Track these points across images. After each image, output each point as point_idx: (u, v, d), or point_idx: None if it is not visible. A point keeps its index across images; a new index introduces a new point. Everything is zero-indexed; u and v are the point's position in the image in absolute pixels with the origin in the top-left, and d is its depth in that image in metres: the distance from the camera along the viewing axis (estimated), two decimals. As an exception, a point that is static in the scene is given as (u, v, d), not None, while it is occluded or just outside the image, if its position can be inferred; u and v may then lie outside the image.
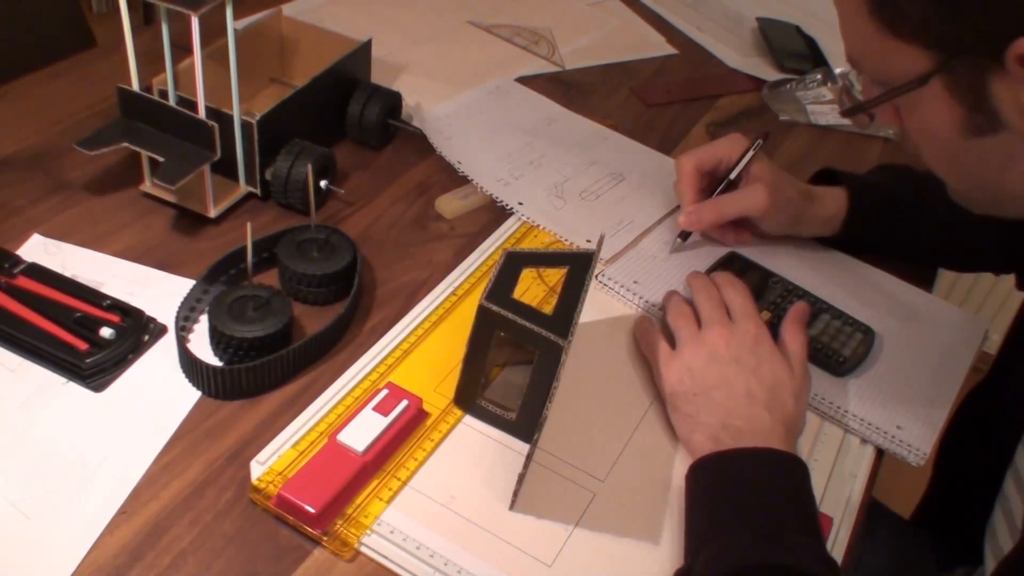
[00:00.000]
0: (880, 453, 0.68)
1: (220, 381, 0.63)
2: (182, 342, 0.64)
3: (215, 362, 0.65)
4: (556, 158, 0.91)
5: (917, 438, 0.68)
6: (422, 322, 0.71)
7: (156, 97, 0.75)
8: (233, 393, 0.63)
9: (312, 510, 0.55)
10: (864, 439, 0.68)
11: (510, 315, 0.58)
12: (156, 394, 0.63)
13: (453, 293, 0.74)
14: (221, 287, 0.71)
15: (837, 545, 0.61)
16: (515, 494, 0.58)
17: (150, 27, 1.09)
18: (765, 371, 0.64)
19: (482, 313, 0.59)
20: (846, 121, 1.07)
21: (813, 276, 0.81)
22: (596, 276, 0.77)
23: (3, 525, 0.54)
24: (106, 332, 0.64)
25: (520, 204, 0.84)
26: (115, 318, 0.66)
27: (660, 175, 0.91)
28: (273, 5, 0.95)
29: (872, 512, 0.67)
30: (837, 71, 1.14)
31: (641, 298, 0.75)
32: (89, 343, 0.64)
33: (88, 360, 0.63)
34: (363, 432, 0.59)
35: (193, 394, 0.64)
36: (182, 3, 0.68)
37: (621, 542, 0.58)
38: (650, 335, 0.69)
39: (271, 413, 0.63)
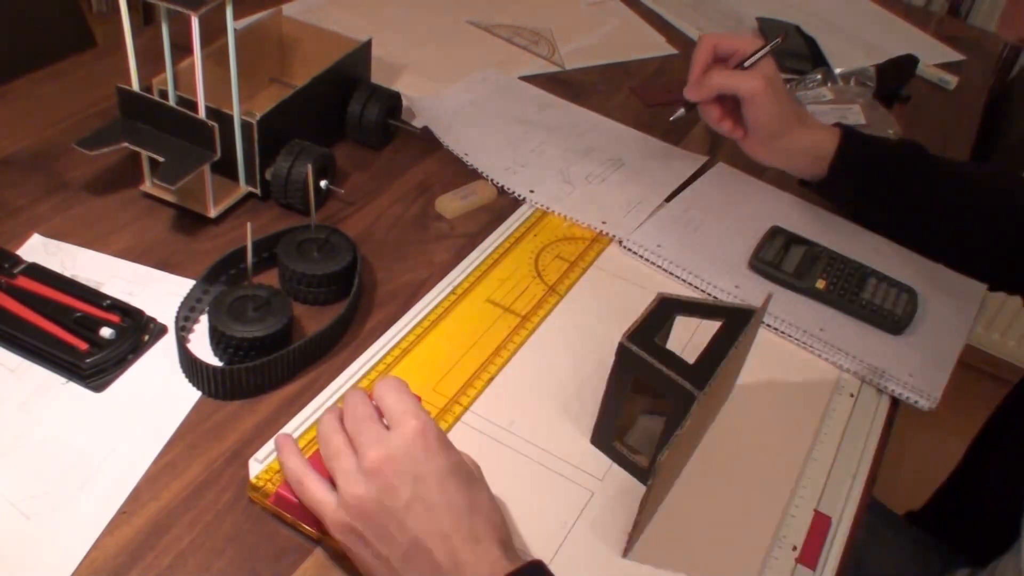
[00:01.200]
0: (881, 453, 0.68)
1: (220, 381, 0.63)
2: (182, 342, 0.64)
3: (215, 362, 0.65)
4: (555, 145, 0.94)
5: (928, 383, 0.72)
6: (421, 321, 0.71)
7: (156, 97, 0.75)
8: (233, 393, 0.63)
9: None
10: (880, 388, 0.72)
11: (648, 357, 0.57)
12: (156, 394, 0.63)
13: (452, 292, 0.74)
14: (221, 287, 0.71)
15: (836, 545, 0.61)
16: (630, 539, 0.57)
17: (150, 27, 1.09)
18: (436, 493, 0.50)
19: (621, 352, 0.58)
20: (845, 121, 1.07)
21: (849, 245, 0.84)
22: (622, 243, 0.81)
23: (3, 525, 0.54)
24: (106, 332, 0.64)
25: (532, 192, 0.86)
26: (115, 318, 0.66)
27: (657, 158, 0.95)
28: (273, 5, 0.95)
29: (872, 512, 0.67)
30: (837, 71, 1.14)
31: (667, 260, 0.80)
32: (89, 343, 0.64)
33: (88, 360, 0.63)
34: None
35: (193, 394, 0.64)
36: (182, 3, 0.68)
37: (620, 541, 0.58)
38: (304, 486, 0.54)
39: (271, 413, 0.63)
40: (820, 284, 0.78)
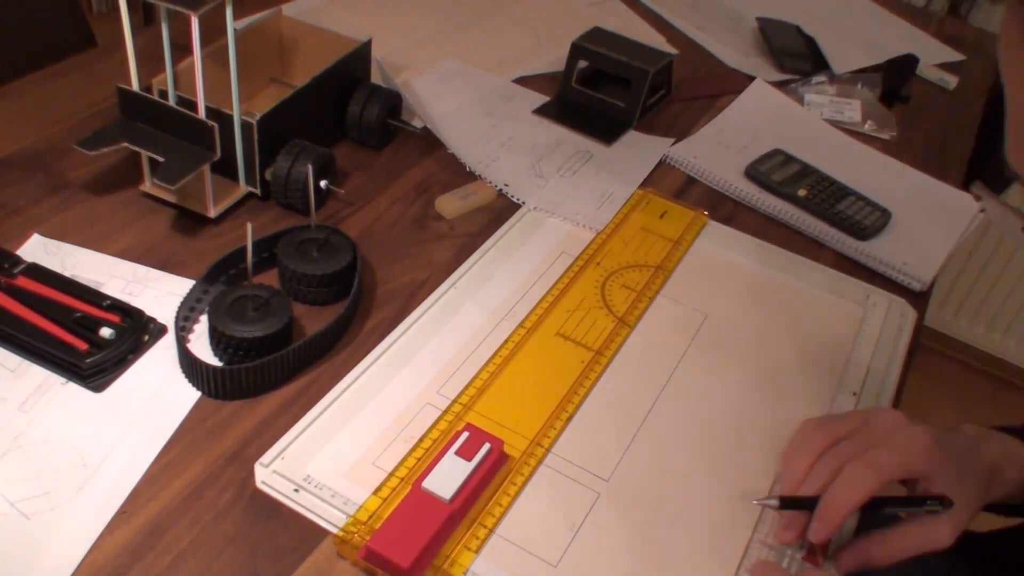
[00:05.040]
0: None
1: (220, 381, 0.63)
2: (182, 342, 0.64)
3: (215, 362, 0.65)
4: (524, 139, 0.95)
5: (919, 271, 0.83)
6: (493, 357, 0.68)
7: (156, 97, 0.75)
8: (233, 393, 0.63)
9: (403, 565, 0.52)
10: (877, 271, 0.84)
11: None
12: (156, 394, 0.63)
13: (521, 325, 0.72)
14: (221, 287, 0.71)
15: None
16: None
17: (150, 27, 1.09)
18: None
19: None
20: (845, 120, 1.07)
21: (845, 170, 0.94)
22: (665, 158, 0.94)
23: (3, 525, 0.54)
24: (106, 332, 0.64)
25: (506, 186, 0.87)
26: (115, 318, 0.66)
27: (623, 145, 0.97)
28: (273, 5, 0.95)
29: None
30: (837, 72, 1.14)
31: (689, 157, 0.92)
32: (89, 343, 0.64)
33: (88, 360, 0.62)
34: (449, 478, 0.56)
35: (193, 394, 0.63)
36: (182, 3, 0.67)
37: (626, 541, 0.58)
38: None
39: (271, 413, 0.63)
40: (802, 192, 0.89)
